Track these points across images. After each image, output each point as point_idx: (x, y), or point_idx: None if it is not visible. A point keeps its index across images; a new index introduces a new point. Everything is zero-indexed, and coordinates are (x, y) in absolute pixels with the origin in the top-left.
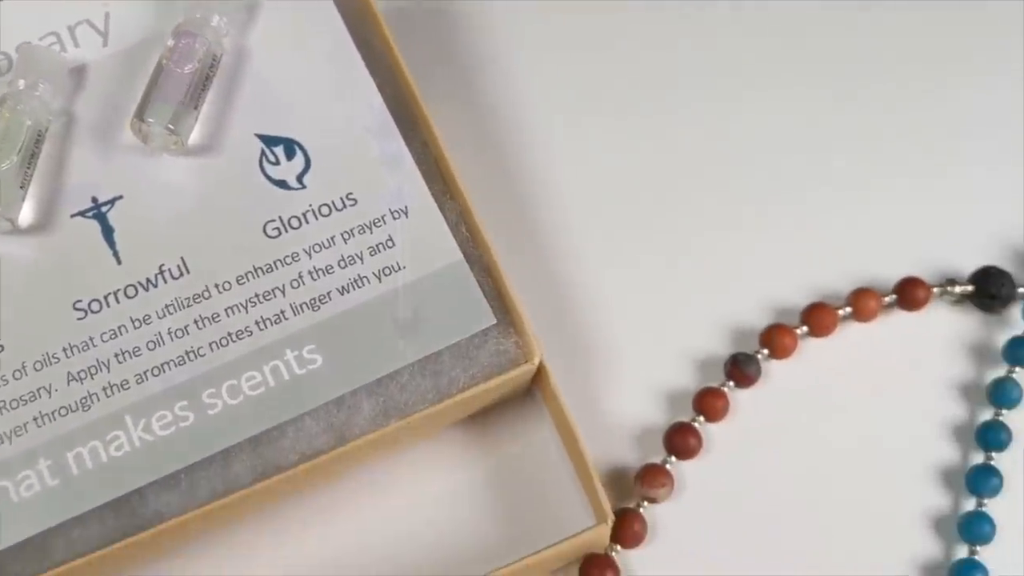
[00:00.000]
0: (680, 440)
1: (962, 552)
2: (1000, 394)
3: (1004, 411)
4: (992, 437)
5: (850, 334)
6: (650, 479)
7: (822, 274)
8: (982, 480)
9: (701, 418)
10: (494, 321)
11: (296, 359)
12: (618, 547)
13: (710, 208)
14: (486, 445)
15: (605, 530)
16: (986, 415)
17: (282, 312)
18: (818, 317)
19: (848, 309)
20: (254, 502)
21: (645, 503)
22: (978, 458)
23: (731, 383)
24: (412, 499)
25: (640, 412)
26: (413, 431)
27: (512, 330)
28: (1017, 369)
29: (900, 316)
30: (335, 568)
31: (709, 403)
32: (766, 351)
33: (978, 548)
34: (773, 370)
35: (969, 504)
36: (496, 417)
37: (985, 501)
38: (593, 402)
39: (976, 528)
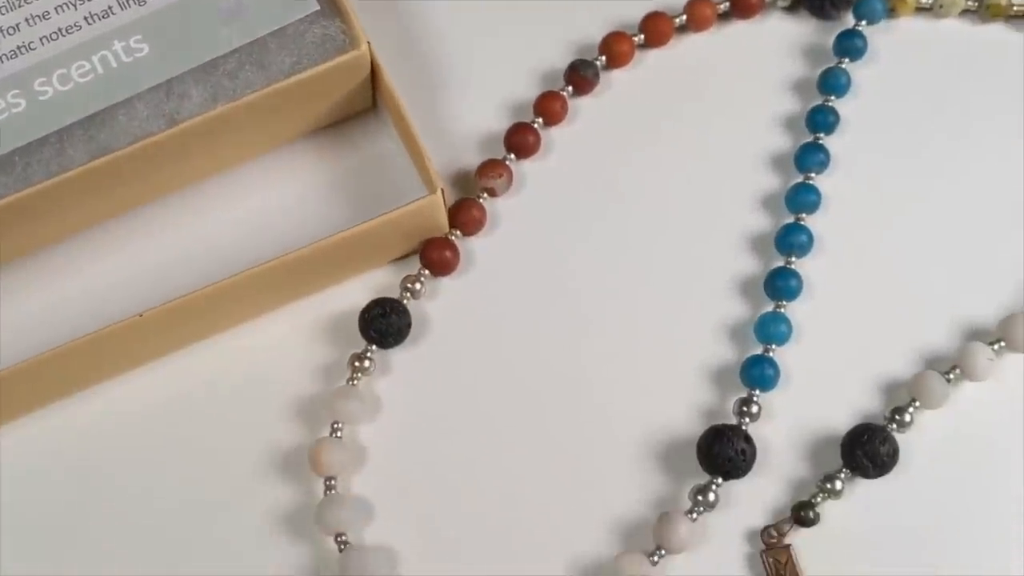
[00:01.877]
0: (519, 138)
1: (789, 218)
2: (829, 83)
3: (833, 98)
4: (821, 120)
5: (687, 44)
6: (487, 170)
7: None
8: (810, 156)
9: (540, 120)
10: (316, 7)
11: (123, 48)
12: (458, 232)
13: None
14: (332, 157)
15: (437, 200)
16: (817, 100)
17: (109, 8)
18: (654, 25)
19: (684, 18)
20: (97, 192)
21: (484, 195)
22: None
23: (570, 88)
24: (262, 204)
25: (484, 121)
26: (249, 127)
27: (337, 17)
28: (846, 60)
29: (736, 26)
30: (187, 266)
31: (547, 106)
32: (604, 58)
33: (804, 215)
34: (613, 79)
35: (798, 177)
36: (343, 130)
37: (812, 175)
38: (438, 114)
39: (803, 198)
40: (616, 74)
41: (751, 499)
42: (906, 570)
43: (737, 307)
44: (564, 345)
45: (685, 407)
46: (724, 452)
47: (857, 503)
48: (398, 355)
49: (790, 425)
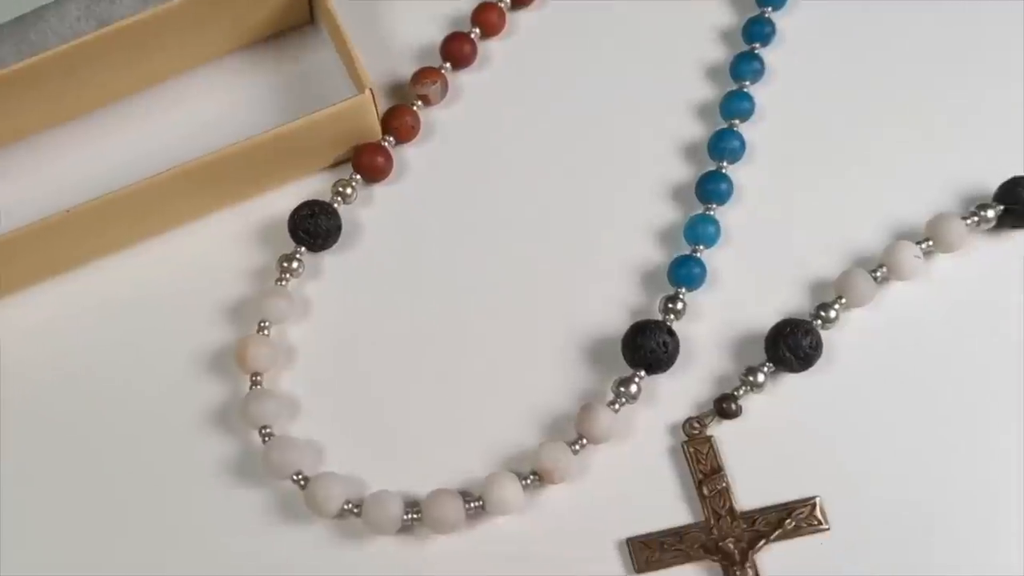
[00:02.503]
0: (455, 47)
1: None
2: None
3: (770, 10)
4: (757, 31)
5: None
6: (421, 77)
7: None
8: (745, 65)
9: (477, 31)
10: None
11: None
12: (391, 139)
13: None
14: (270, 69)
15: (366, 100)
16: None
17: None
18: None
19: None
20: (29, 96)
21: (419, 102)
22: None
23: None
24: (199, 114)
25: (423, 34)
26: (181, 33)
27: None
28: None
29: None
30: (123, 172)
31: (485, 17)
32: None
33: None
34: None
35: (733, 86)
36: (281, 44)
37: (747, 83)
38: (376, 27)
39: (737, 105)
40: None
41: (676, 394)
42: (827, 462)
43: (670, 211)
44: (495, 250)
45: (615, 307)
46: (646, 344)
47: (782, 398)
48: (330, 259)
49: (718, 324)
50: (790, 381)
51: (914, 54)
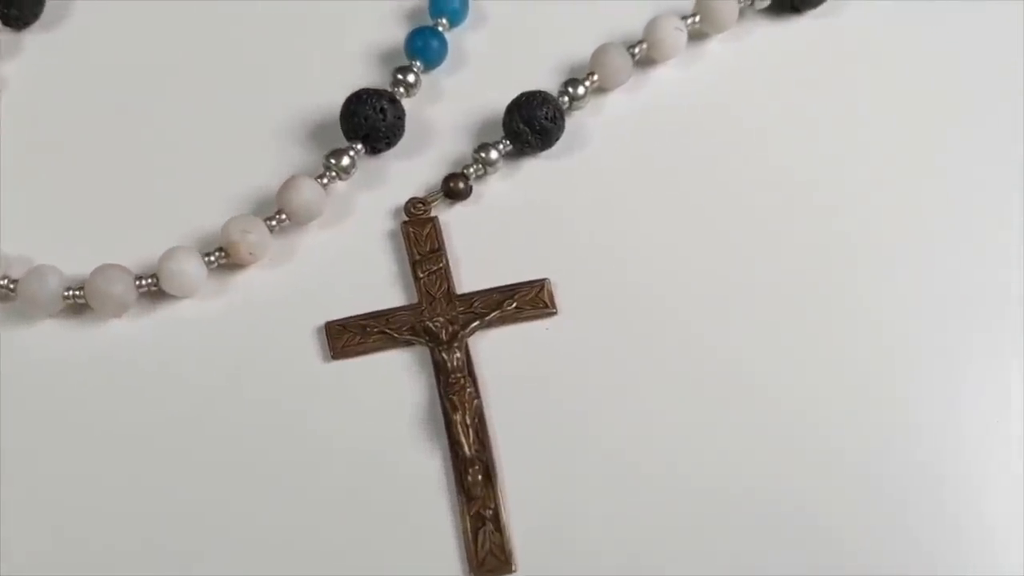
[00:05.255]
0: None
1: None
2: None
3: None
4: None
5: None
6: None
7: None
8: None
9: None
10: None
11: None
12: None
13: None
14: None
15: None
16: None
17: None
18: None
19: None
20: None
21: None
22: None
23: None
24: None
25: None
26: None
27: None
28: None
29: None
30: None
31: None
32: None
33: None
34: None
35: None
36: None
37: None
38: None
39: None
40: None
41: (406, 176)
42: (566, 247)
43: None
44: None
45: (351, 87)
46: (361, 111)
47: (523, 182)
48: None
49: (462, 106)
50: (533, 164)
51: None
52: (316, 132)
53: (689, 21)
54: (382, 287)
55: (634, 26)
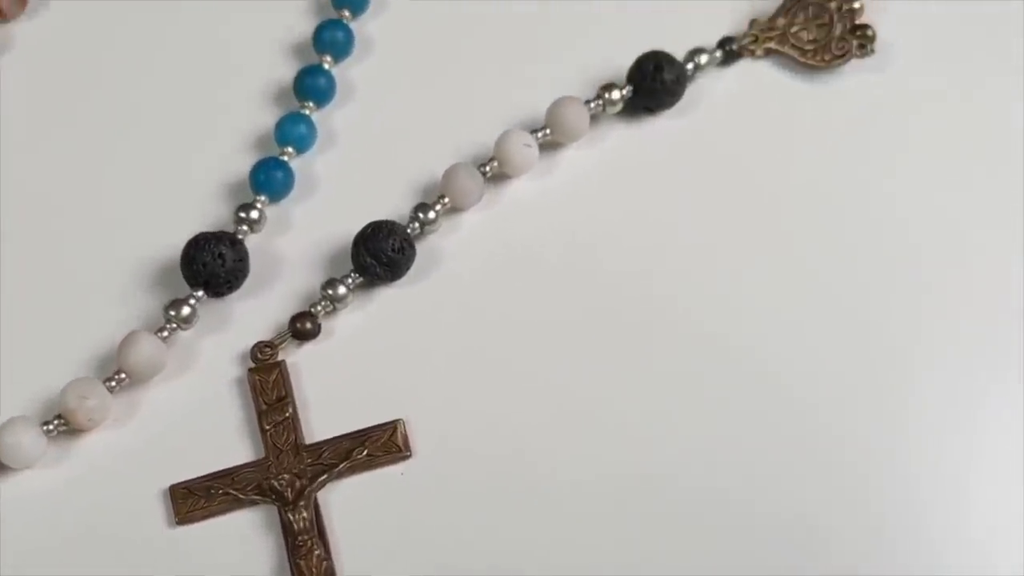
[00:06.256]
0: None
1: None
2: None
3: None
4: None
5: None
6: None
7: None
8: None
9: None
10: None
11: None
12: None
13: None
14: None
15: None
16: None
17: None
18: None
19: None
20: None
21: None
22: None
23: None
24: None
25: None
26: None
27: None
28: None
29: None
30: None
31: None
32: None
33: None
34: None
35: None
36: None
37: None
38: None
39: None
40: None
41: (253, 317)
42: (423, 383)
43: (267, 116)
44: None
45: (197, 226)
46: (199, 258)
47: (376, 313)
48: None
49: (311, 236)
50: (386, 294)
51: None
52: (162, 276)
53: (540, 135)
54: (230, 441)
55: (487, 139)
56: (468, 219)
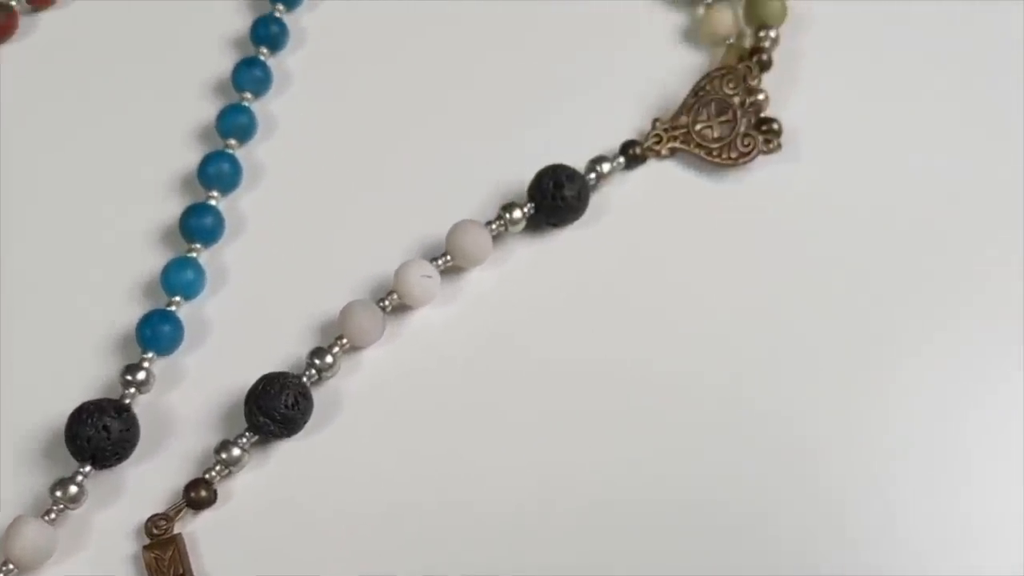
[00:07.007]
0: None
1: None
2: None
3: (281, 7)
4: (263, 33)
5: None
6: None
7: None
8: (245, 73)
9: None
10: None
11: None
12: None
13: None
14: None
15: None
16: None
17: None
18: None
19: None
20: None
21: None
22: None
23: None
24: None
25: None
26: None
27: None
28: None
29: None
30: None
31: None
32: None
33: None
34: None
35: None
36: None
37: (248, 95)
38: None
39: (233, 120)
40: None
41: (150, 483)
42: (333, 542)
43: (156, 260)
44: None
45: (83, 389)
46: (83, 433)
47: (278, 471)
48: None
49: (206, 390)
50: (284, 448)
51: (446, 52)
52: (50, 449)
53: (441, 261)
54: None
55: (387, 269)
56: (369, 356)
